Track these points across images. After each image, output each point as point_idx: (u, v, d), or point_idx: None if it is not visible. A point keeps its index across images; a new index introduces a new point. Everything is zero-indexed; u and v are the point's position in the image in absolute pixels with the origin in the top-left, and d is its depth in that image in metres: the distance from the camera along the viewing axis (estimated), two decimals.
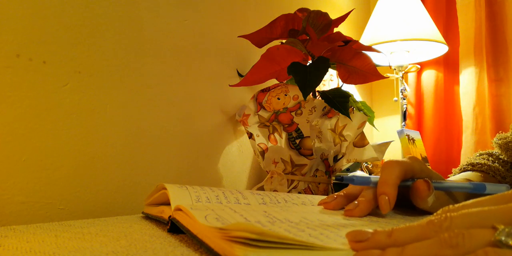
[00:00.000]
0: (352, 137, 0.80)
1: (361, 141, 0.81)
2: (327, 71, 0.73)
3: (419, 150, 1.40)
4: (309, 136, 0.79)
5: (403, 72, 1.43)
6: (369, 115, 0.90)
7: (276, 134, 0.81)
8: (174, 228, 0.39)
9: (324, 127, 0.81)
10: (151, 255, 0.31)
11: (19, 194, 0.57)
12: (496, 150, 0.66)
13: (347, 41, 0.80)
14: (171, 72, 0.81)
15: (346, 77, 0.84)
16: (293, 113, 0.79)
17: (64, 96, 0.63)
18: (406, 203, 0.47)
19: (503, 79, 1.42)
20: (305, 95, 0.70)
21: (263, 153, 0.82)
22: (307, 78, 0.72)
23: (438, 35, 1.34)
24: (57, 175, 0.62)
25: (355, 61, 0.80)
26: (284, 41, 0.82)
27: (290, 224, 0.34)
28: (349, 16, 0.85)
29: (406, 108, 1.50)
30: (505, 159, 0.65)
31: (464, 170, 0.64)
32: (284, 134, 0.80)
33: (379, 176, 0.44)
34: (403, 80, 1.45)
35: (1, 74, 0.56)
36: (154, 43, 0.78)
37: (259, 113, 0.81)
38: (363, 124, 0.80)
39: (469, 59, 1.46)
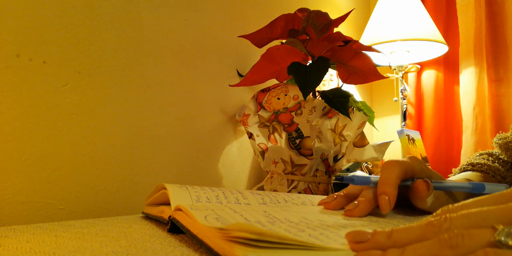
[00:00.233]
0: (352, 137, 0.80)
1: (361, 141, 0.81)
2: (327, 71, 0.73)
3: (419, 150, 1.40)
4: (309, 136, 0.79)
5: (403, 72, 1.43)
6: (369, 115, 0.90)
7: (276, 134, 0.81)
8: (174, 228, 0.39)
9: (324, 127, 0.81)
10: (151, 255, 0.31)
11: (19, 194, 0.57)
12: (496, 150, 0.66)
13: (347, 41, 0.80)
14: (171, 72, 0.81)
15: (346, 77, 0.84)
16: (293, 113, 0.79)
17: (64, 96, 0.63)
18: (406, 203, 0.47)
19: (503, 79, 1.42)
20: (305, 95, 0.70)
21: (263, 153, 0.82)
22: (307, 78, 0.72)
23: (438, 35, 1.34)
24: (57, 175, 0.62)
25: (355, 61, 0.80)
26: (284, 41, 0.82)
27: (290, 224, 0.34)
28: (349, 16, 0.85)
29: (406, 108, 1.50)
30: (505, 159, 0.65)
31: (464, 170, 0.64)
32: (284, 134, 0.80)
33: (379, 176, 0.44)
34: (403, 80, 1.45)
35: (1, 74, 0.56)
36: (154, 43, 0.78)
37: (259, 113, 0.81)
38: (363, 124, 0.80)
39: (469, 59, 1.46)
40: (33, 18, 0.60)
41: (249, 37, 0.83)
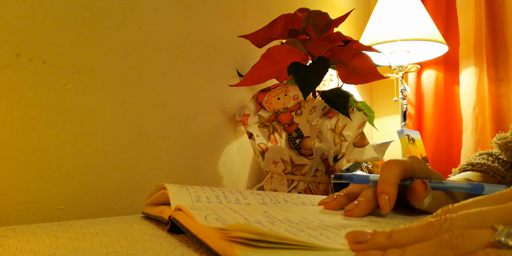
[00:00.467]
0: (352, 137, 0.80)
1: (361, 141, 0.81)
2: (327, 71, 0.73)
3: (419, 150, 1.40)
4: (309, 136, 0.79)
5: (403, 72, 1.43)
6: (369, 115, 0.90)
7: (276, 134, 0.81)
8: (174, 228, 0.39)
9: (324, 127, 0.81)
10: (151, 255, 0.31)
11: (19, 194, 0.57)
12: (496, 150, 0.66)
13: (347, 41, 0.80)
14: (171, 72, 0.81)
15: (346, 77, 0.84)
16: (293, 113, 0.79)
17: (64, 96, 0.63)
18: (406, 202, 0.47)
19: (503, 79, 1.42)
20: (305, 95, 0.70)
21: (263, 153, 0.82)
22: (307, 78, 0.72)
23: (438, 35, 1.34)
24: (57, 175, 0.62)
25: (355, 61, 0.80)
26: (284, 41, 0.82)
27: (290, 224, 0.34)
28: (349, 16, 0.85)
29: (406, 108, 1.50)
30: (505, 159, 0.65)
31: (464, 170, 0.64)
32: (284, 134, 0.80)
33: (378, 175, 0.44)
34: (403, 80, 1.45)
35: (1, 74, 0.56)
36: (154, 43, 0.78)
37: (259, 113, 0.81)
38: (363, 124, 0.80)
39: (469, 59, 1.46)
40: (33, 18, 0.60)
41: (249, 37, 0.83)
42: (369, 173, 1.23)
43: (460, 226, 0.24)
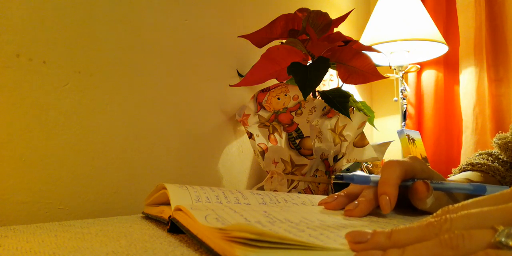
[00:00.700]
0: (352, 137, 0.80)
1: (361, 141, 0.81)
2: (327, 71, 0.73)
3: (419, 150, 1.40)
4: (309, 136, 0.79)
5: (403, 72, 1.43)
6: (369, 115, 0.90)
7: (276, 134, 0.81)
8: (174, 228, 0.39)
9: (324, 127, 0.81)
10: (151, 255, 0.31)
11: (19, 194, 0.57)
12: (496, 150, 0.66)
13: (347, 41, 0.80)
14: (171, 72, 0.81)
15: (346, 77, 0.84)
16: (293, 113, 0.79)
17: (64, 96, 0.63)
18: (406, 203, 0.47)
19: (503, 79, 1.42)
20: (305, 95, 0.70)
21: (263, 153, 0.82)
22: (307, 78, 0.72)
23: (438, 35, 1.34)
24: (57, 175, 0.62)
25: (355, 61, 0.80)
26: (284, 41, 0.82)
27: (290, 224, 0.34)
28: (349, 16, 0.85)
29: (406, 108, 1.50)
30: (505, 159, 0.65)
31: (464, 170, 0.64)
32: (284, 134, 0.80)
33: (379, 176, 0.44)
34: (403, 80, 1.45)
35: (1, 74, 0.56)
36: (154, 43, 0.78)
37: (259, 113, 0.81)
38: (363, 124, 0.80)
39: (469, 59, 1.46)
40: (33, 18, 0.60)
41: (249, 37, 0.83)
42: (369, 173, 1.23)
43: (461, 226, 0.24)
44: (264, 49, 0.80)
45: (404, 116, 1.49)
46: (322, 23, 0.79)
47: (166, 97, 0.79)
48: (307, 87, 0.71)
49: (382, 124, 1.67)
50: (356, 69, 0.81)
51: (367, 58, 0.80)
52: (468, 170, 0.63)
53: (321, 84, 0.84)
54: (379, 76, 0.82)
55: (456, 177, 0.61)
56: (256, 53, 0.87)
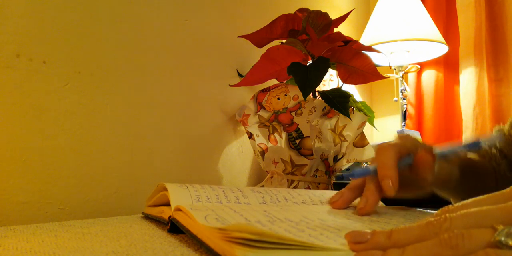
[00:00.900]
0: (352, 137, 0.80)
1: (361, 141, 0.81)
2: (327, 71, 0.73)
3: None
4: (309, 136, 0.79)
5: (403, 72, 1.43)
6: (369, 115, 0.90)
7: (276, 134, 0.81)
8: (174, 228, 0.39)
9: (324, 127, 0.81)
10: (151, 255, 0.31)
11: (19, 194, 0.57)
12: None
13: (347, 41, 0.80)
14: (171, 72, 0.81)
15: (346, 77, 0.84)
16: (293, 113, 0.79)
17: (64, 96, 0.63)
18: (407, 184, 0.46)
19: (503, 79, 1.42)
20: (305, 95, 0.70)
21: (263, 153, 0.82)
22: (307, 78, 0.72)
23: (438, 35, 1.33)
24: (57, 175, 0.62)
25: (355, 61, 0.80)
26: (284, 41, 0.82)
27: (290, 223, 0.34)
28: (349, 16, 0.85)
29: (406, 108, 1.50)
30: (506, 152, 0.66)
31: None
32: (284, 134, 0.80)
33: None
34: (403, 80, 1.45)
35: (1, 74, 0.56)
36: (154, 43, 0.78)
37: (259, 113, 0.81)
38: (363, 124, 0.80)
39: (469, 59, 1.46)
40: (33, 18, 0.60)
41: (249, 37, 0.83)
42: None
43: (460, 225, 0.24)
44: (264, 49, 0.80)
45: (404, 116, 1.49)
46: (322, 23, 0.79)
47: (166, 97, 0.79)
48: (307, 87, 0.71)
49: (382, 124, 1.67)
50: (356, 69, 0.81)
51: (367, 58, 0.80)
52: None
53: (321, 84, 0.84)
54: (379, 76, 0.82)
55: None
56: (256, 53, 0.87)
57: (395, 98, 1.44)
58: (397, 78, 1.44)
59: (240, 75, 0.95)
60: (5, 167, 0.56)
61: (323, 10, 0.80)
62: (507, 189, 0.27)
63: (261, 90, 0.82)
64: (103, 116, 0.68)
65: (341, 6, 1.48)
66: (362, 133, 0.81)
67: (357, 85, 1.55)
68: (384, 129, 1.66)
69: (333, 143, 0.82)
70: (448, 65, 1.56)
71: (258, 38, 0.83)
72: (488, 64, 1.42)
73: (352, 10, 0.91)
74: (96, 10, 0.68)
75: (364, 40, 1.37)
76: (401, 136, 0.48)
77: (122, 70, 0.72)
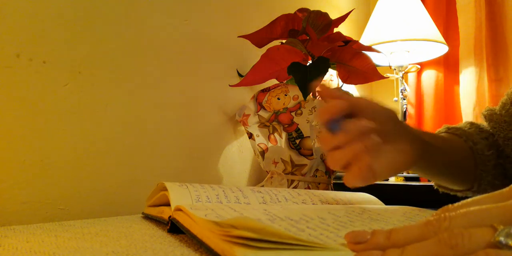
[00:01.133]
0: None
1: None
2: (327, 71, 0.73)
3: None
4: (309, 136, 0.79)
5: (403, 72, 1.43)
6: None
7: (276, 134, 0.81)
8: (174, 228, 0.39)
9: None
10: (151, 255, 0.31)
11: (19, 194, 0.57)
12: (481, 122, 0.69)
13: (347, 41, 0.80)
14: (171, 72, 0.81)
15: (346, 77, 0.84)
16: (293, 113, 0.79)
17: (64, 96, 0.63)
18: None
19: (503, 79, 1.42)
20: (305, 95, 0.70)
21: (263, 153, 0.82)
22: (307, 78, 0.72)
23: (438, 35, 1.33)
24: (57, 175, 0.62)
25: (355, 61, 0.80)
26: (284, 41, 0.82)
27: (290, 222, 0.34)
28: (349, 16, 0.85)
29: (406, 108, 1.50)
30: (488, 129, 0.67)
31: (440, 133, 0.67)
32: (284, 134, 0.80)
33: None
34: (403, 80, 1.45)
35: (1, 74, 0.56)
36: (154, 43, 0.78)
37: (259, 113, 0.81)
38: None
39: (469, 59, 1.46)
40: (33, 18, 0.60)
41: (249, 37, 0.83)
42: None
43: (460, 224, 0.24)
44: (264, 49, 0.80)
45: (404, 116, 1.49)
46: (322, 23, 0.79)
47: (166, 97, 0.79)
48: (307, 87, 0.71)
49: None
50: (356, 69, 0.81)
51: (367, 58, 0.80)
52: (443, 133, 0.66)
53: None
54: (379, 76, 0.82)
55: (429, 135, 0.62)
56: (256, 53, 0.87)
57: (395, 98, 1.44)
58: (397, 78, 1.44)
59: (240, 75, 0.95)
60: (5, 167, 0.56)
61: (323, 10, 0.80)
62: (506, 188, 0.27)
63: (261, 90, 0.82)
64: (103, 116, 0.68)
65: (341, 6, 1.48)
66: None
67: (357, 85, 1.55)
68: None
69: None
70: (448, 65, 1.56)
71: (258, 38, 0.83)
72: (488, 64, 1.42)
73: (352, 10, 0.91)
74: (96, 10, 0.68)
75: (364, 40, 1.37)
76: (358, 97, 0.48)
77: (122, 70, 0.72)
